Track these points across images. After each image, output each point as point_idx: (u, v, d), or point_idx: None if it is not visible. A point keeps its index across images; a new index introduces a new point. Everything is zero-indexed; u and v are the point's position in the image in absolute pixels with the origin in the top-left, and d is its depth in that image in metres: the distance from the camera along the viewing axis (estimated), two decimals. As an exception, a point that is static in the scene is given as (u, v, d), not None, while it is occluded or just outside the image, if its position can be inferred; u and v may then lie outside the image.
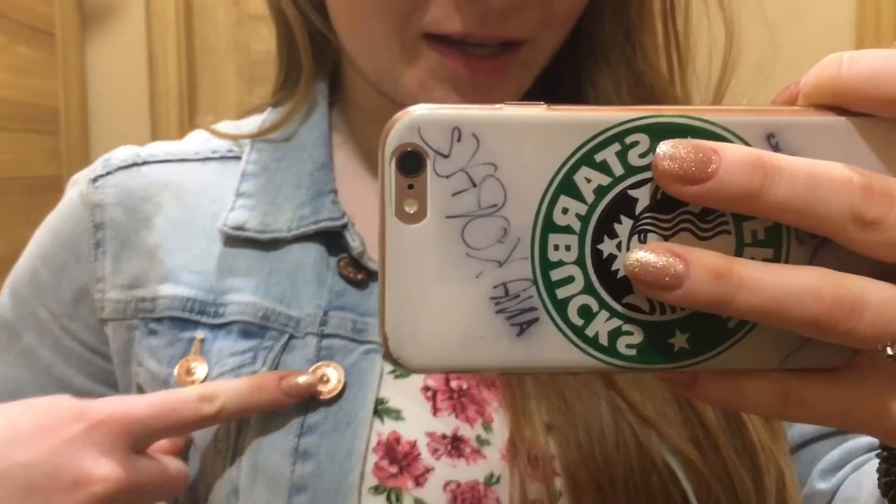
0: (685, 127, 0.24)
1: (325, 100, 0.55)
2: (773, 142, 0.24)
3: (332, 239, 0.50)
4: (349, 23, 0.48)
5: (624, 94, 0.50)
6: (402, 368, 0.25)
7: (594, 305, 0.25)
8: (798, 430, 0.52)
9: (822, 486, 0.49)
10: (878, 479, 0.34)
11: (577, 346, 0.25)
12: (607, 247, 0.25)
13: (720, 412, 0.46)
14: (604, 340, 0.25)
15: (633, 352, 0.25)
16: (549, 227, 0.25)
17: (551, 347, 0.25)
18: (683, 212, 0.25)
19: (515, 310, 0.25)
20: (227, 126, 0.57)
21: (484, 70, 0.46)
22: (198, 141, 0.57)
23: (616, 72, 0.50)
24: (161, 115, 1.86)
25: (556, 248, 0.25)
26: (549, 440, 0.45)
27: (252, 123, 0.56)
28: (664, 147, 0.24)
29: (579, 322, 0.25)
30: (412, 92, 0.47)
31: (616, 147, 0.24)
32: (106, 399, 0.43)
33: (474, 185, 0.25)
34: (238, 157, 0.55)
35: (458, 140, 0.24)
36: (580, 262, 0.25)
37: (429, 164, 0.24)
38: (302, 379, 0.45)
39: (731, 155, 0.23)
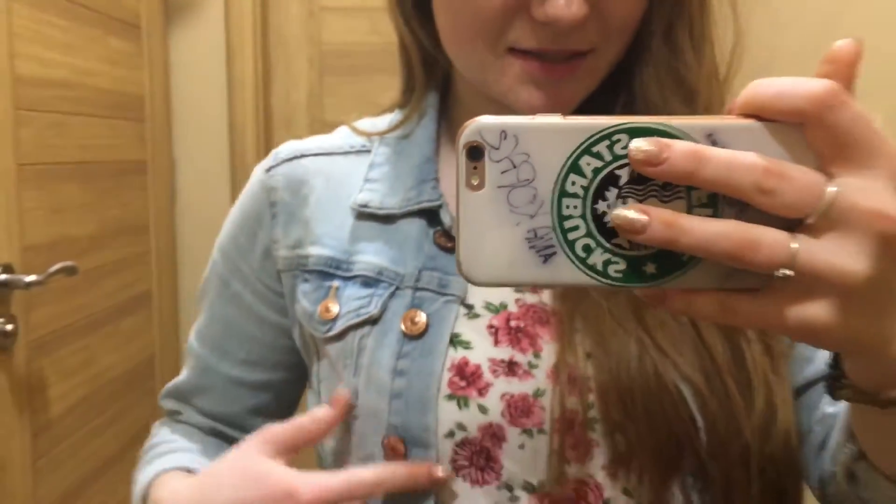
0: (652, 129, 0.35)
1: (435, 107, 0.69)
2: (711, 139, 0.35)
3: (432, 215, 0.64)
4: (454, 41, 0.61)
5: (667, 94, 0.60)
6: (470, 282, 0.37)
7: (592, 244, 0.36)
8: (813, 368, 0.61)
9: (830, 409, 0.59)
10: (825, 384, 0.44)
11: (581, 270, 0.36)
12: (601, 206, 0.36)
13: (727, 349, 0.56)
14: (599, 267, 0.36)
15: (619, 275, 0.36)
16: (563, 194, 0.36)
17: (565, 271, 0.36)
18: (652, 184, 0.35)
19: (542, 246, 0.36)
20: (364, 123, 0.73)
21: (558, 72, 0.57)
22: (341, 136, 0.73)
23: (658, 73, 0.60)
24: (237, 103, 1.95)
25: (567, 207, 0.36)
26: (588, 365, 0.57)
27: (384, 121, 0.72)
28: (635, 142, 0.34)
29: (583, 255, 0.36)
30: (503, 92, 0.59)
31: (606, 143, 0.35)
32: (308, 477, 0.57)
33: (515, 167, 0.36)
34: (369, 151, 0.70)
35: (505, 138, 0.36)
36: (583, 216, 0.36)
37: (486, 153, 0.36)
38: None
39: (677, 147, 0.34)
